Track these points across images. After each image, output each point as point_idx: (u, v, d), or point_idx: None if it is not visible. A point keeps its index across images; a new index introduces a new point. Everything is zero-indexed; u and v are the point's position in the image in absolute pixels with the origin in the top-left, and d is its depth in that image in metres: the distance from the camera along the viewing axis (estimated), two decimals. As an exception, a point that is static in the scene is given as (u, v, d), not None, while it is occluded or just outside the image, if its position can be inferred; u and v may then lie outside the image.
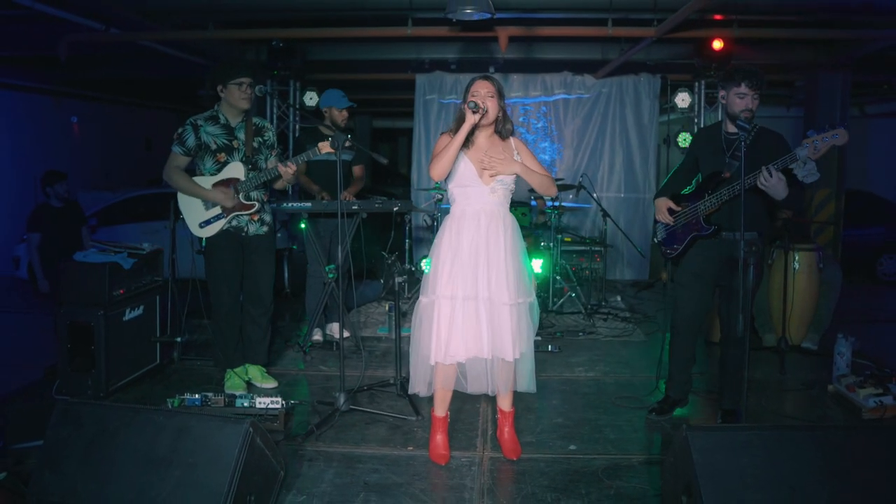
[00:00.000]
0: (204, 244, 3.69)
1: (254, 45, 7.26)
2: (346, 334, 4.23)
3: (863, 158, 10.67)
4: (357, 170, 4.79)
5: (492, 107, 2.81)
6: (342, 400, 3.40)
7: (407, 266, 5.90)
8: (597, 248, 6.41)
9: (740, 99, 3.05)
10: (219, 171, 3.61)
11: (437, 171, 2.79)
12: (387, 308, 5.35)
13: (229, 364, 3.78)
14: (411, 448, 3.08)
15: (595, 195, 6.25)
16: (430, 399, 3.03)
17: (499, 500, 2.63)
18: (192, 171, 3.65)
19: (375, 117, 13.23)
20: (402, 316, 4.01)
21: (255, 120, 3.75)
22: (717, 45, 6.34)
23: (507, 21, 5.90)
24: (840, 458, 2.18)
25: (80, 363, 3.63)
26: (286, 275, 6.43)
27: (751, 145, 3.01)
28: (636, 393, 3.80)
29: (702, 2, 4.51)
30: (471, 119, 2.73)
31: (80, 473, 2.32)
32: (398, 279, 3.83)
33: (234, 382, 3.75)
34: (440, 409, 2.99)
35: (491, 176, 2.83)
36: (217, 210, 3.62)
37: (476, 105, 2.73)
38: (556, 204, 5.63)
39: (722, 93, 3.19)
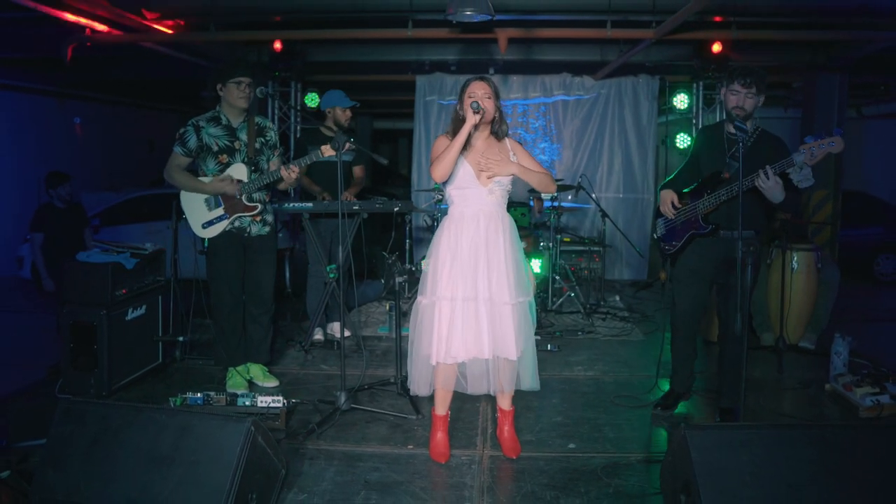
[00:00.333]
0: (206, 245, 3.70)
1: (255, 46, 7.29)
2: (346, 334, 4.26)
3: (859, 159, 10.74)
4: (357, 170, 4.81)
5: (489, 107, 2.82)
6: (343, 399, 3.42)
7: (407, 266, 5.92)
8: (596, 248, 6.43)
9: (733, 96, 3.11)
10: (221, 172, 3.63)
11: (440, 172, 2.80)
12: (387, 308, 5.37)
13: (231, 363, 3.80)
14: (411, 446, 3.10)
15: (594, 195, 6.27)
16: (431, 398, 3.05)
17: (498, 499, 2.64)
18: (194, 172, 3.67)
19: (376, 118, 13.25)
20: (402, 315, 4.03)
21: (258, 119, 3.77)
22: (717, 48, 6.38)
23: (506, 23, 5.93)
24: (837, 456, 2.20)
25: (82, 362, 3.65)
26: (287, 275, 6.45)
27: (751, 147, 3.05)
28: (635, 392, 3.82)
29: (700, 4, 4.53)
30: (473, 119, 2.75)
31: (82, 471, 2.34)
32: (398, 279, 3.85)
33: (235, 381, 3.77)
34: (441, 408, 3.01)
35: (488, 177, 2.85)
36: (220, 211, 3.64)
37: (478, 105, 2.75)
38: (556, 204, 5.66)
39: (722, 90, 3.25)
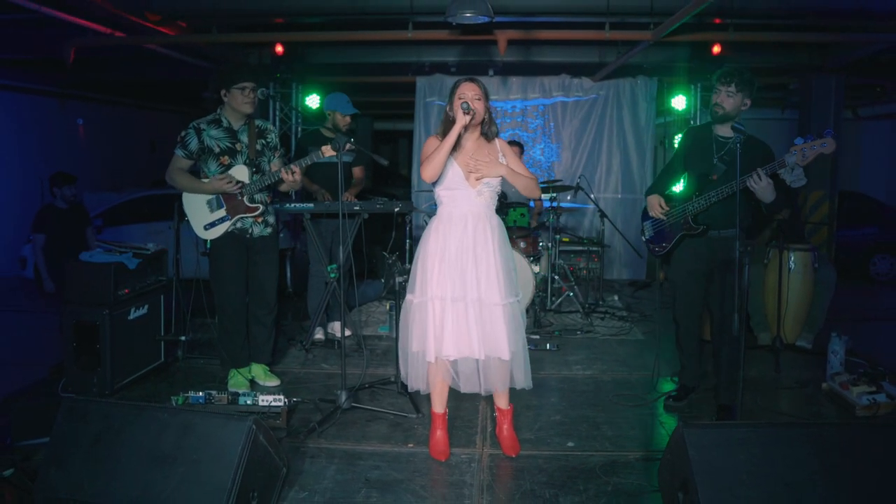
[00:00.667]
0: (209, 246, 3.71)
1: (256, 48, 7.32)
2: (347, 333, 4.28)
3: (856, 160, 10.82)
4: (357, 171, 4.83)
5: (479, 109, 2.84)
6: (344, 398, 3.44)
7: (407, 266, 5.94)
8: (594, 249, 6.46)
9: (714, 94, 3.23)
10: (223, 174, 3.65)
11: (430, 172, 2.81)
12: (387, 307, 5.39)
13: (235, 364, 3.80)
14: (412, 445, 3.12)
15: (593, 196, 6.29)
16: (429, 397, 3.07)
17: (498, 497, 2.66)
18: (196, 174, 3.68)
19: (376, 119, 13.28)
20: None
21: (258, 122, 3.79)
22: (717, 49, 6.41)
23: (505, 24, 5.96)
24: (834, 454, 2.22)
25: (85, 361, 3.66)
26: (288, 274, 6.48)
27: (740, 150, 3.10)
28: (633, 390, 3.84)
29: (698, 5, 4.56)
30: (463, 119, 2.76)
31: (85, 470, 2.35)
32: (399, 279, 3.86)
33: (237, 380, 3.79)
34: (439, 406, 3.03)
35: (477, 179, 2.87)
36: (222, 212, 3.66)
37: (468, 106, 2.77)
38: (555, 205, 5.68)
39: None
